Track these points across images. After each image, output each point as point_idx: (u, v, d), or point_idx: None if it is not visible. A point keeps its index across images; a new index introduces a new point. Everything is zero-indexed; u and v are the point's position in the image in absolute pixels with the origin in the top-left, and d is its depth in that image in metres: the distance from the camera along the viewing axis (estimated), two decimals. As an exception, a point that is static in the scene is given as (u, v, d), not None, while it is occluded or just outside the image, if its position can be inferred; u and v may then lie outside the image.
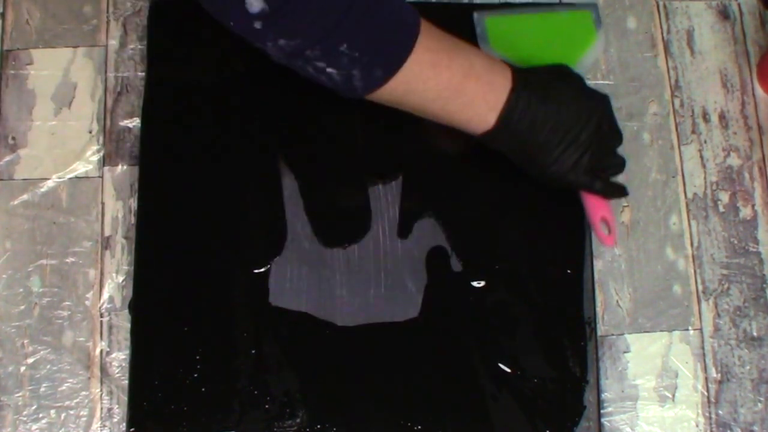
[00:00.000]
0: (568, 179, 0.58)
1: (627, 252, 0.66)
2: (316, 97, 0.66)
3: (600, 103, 0.59)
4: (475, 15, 0.67)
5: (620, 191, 0.61)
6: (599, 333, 0.63)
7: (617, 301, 0.65)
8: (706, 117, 0.70)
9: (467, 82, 0.54)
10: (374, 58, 0.50)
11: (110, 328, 0.61)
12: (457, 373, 0.61)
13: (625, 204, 0.67)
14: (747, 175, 0.68)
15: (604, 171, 0.60)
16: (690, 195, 0.68)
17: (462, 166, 0.65)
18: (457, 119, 0.56)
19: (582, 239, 0.65)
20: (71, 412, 0.59)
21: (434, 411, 0.60)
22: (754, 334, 0.65)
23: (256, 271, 0.62)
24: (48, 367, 0.60)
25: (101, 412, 0.60)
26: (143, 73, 0.66)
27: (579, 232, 0.65)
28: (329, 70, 0.50)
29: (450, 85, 0.54)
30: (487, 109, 0.55)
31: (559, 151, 0.57)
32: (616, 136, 0.60)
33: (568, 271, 0.64)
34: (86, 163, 0.64)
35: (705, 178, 0.68)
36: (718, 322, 0.65)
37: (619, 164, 0.61)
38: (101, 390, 0.60)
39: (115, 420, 0.59)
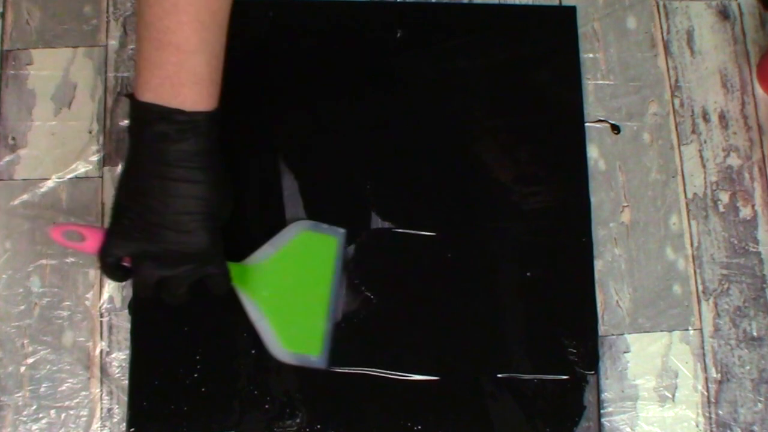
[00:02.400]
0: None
1: (627, 252, 0.66)
2: (317, 97, 0.66)
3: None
4: None
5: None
6: (599, 333, 0.63)
7: (617, 301, 0.65)
8: (706, 117, 0.70)
9: (217, 55, 0.47)
10: None
11: (110, 328, 0.61)
12: (457, 372, 0.61)
13: (625, 204, 0.67)
14: (747, 175, 0.68)
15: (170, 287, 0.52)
16: (690, 195, 0.68)
17: (462, 166, 0.65)
18: (183, 74, 0.46)
19: (587, 240, 0.65)
20: (71, 412, 0.59)
21: (434, 411, 0.60)
22: (754, 334, 0.65)
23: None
24: (48, 367, 0.60)
25: (101, 412, 0.60)
26: (143, 73, 0.66)
27: (582, 232, 0.65)
28: None
29: (212, 34, 0.47)
30: (215, 90, 0.48)
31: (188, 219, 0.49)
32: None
33: (569, 272, 0.64)
34: (86, 163, 0.64)
35: (705, 178, 0.68)
36: (718, 322, 0.65)
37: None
38: (101, 390, 0.60)
39: (115, 420, 0.59)
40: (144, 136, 0.48)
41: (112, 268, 0.51)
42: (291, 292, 0.60)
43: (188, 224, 0.48)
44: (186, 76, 0.46)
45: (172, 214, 0.48)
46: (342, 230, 0.62)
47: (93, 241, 0.52)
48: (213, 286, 0.53)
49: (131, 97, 0.48)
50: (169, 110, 0.47)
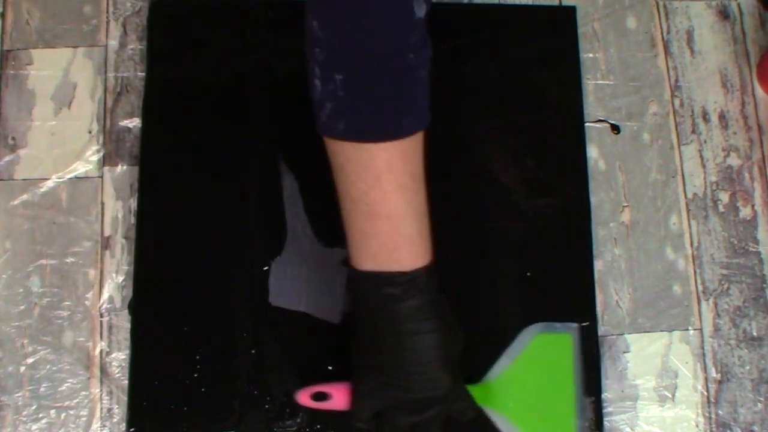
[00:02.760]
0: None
1: (627, 252, 0.66)
2: (316, 97, 0.66)
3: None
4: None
5: None
6: (599, 333, 0.63)
7: (617, 301, 0.65)
8: (706, 117, 0.70)
9: (423, 212, 0.49)
10: (371, 116, 0.46)
11: (110, 328, 0.61)
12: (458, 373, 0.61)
13: (625, 204, 0.67)
14: (747, 175, 0.68)
15: None
16: (690, 195, 0.68)
17: (462, 166, 0.65)
18: (398, 238, 0.48)
19: (587, 240, 0.65)
20: (71, 412, 0.59)
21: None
22: (754, 334, 0.65)
23: (255, 270, 0.62)
24: (48, 367, 0.60)
25: (101, 412, 0.60)
26: (143, 73, 0.66)
27: (582, 232, 0.65)
28: (323, 87, 0.46)
29: (414, 195, 0.48)
30: (428, 245, 0.50)
31: (431, 368, 0.50)
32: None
33: (569, 272, 0.64)
34: (86, 163, 0.64)
35: (705, 178, 0.68)
36: (718, 322, 0.65)
37: None
38: (101, 390, 0.60)
39: (115, 420, 0.59)
40: (371, 300, 0.50)
41: (366, 425, 0.53)
42: (536, 397, 0.60)
43: (429, 372, 0.50)
44: (401, 240, 0.48)
45: (412, 365, 0.50)
46: (574, 325, 0.62)
47: (339, 398, 0.54)
48: (460, 416, 0.54)
49: (349, 266, 0.50)
50: (391, 275, 0.49)
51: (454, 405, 0.53)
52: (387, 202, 0.47)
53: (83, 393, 0.60)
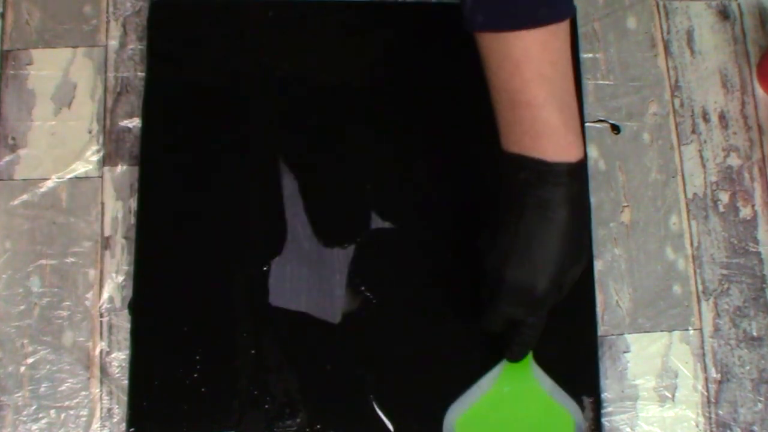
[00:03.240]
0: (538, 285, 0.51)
1: (627, 252, 0.66)
2: (317, 97, 0.66)
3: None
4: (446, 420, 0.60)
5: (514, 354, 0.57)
6: (599, 333, 0.63)
7: (617, 301, 0.65)
8: (706, 117, 0.70)
9: (568, 104, 0.49)
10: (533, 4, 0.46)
11: (110, 328, 0.61)
12: (457, 371, 0.61)
13: (625, 204, 0.67)
14: (747, 175, 0.68)
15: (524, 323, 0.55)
16: (690, 195, 0.68)
17: (462, 166, 0.65)
18: (539, 126, 0.49)
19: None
20: (71, 412, 0.59)
21: (435, 411, 0.60)
22: (754, 334, 0.65)
23: (255, 270, 0.62)
24: (48, 367, 0.60)
25: (101, 412, 0.60)
26: (143, 73, 0.66)
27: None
28: None
29: (556, 85, 0.49)
30: (574, 139, 0.49)
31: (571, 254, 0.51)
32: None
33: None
34: (86, 163, 0.64)
35: (705, 178, 0.68)
36: (718, 322, 0.65)
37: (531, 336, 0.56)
38: (101, 390, 0.60)
39: (115, 420, 0.59)
40: (511, 183, 0.51)
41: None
42: (506, 421, 0.59)
43: (530, 268, 0.50)
44: (542, 129, 0.48)
45: (517, 254, 0.50)
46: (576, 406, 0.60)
47: None
48: (517, 339, 0.55)
49: (501, 149, 0.51)
50: (531, 160, 0.49)
51: (530, 318, 0.54)
52: (527, 90, 0.48)
53: (83, 393, 0.60)
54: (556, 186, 0.49)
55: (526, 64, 0.47)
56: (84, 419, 0.59)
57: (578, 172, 0.50)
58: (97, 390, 0.60)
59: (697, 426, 0.62)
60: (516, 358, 0.57)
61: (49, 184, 0.64)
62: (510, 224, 0.51)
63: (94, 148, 0.65)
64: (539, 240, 0.50)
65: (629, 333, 0.64)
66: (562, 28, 0.48)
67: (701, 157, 0.69)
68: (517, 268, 0.51)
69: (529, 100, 0.48)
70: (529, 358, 0.59)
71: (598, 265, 0.65)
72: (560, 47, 0.49)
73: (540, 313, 0.54)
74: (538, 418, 0.59)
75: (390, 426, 0.60)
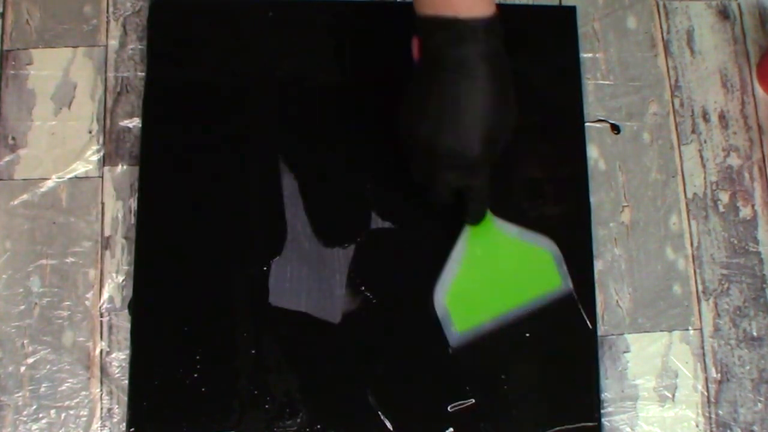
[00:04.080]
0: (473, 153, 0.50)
1: (627, 252, 0.66)
2: (317, 97, 0.66)
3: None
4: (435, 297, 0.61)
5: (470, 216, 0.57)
6: (599, 333, 0.63)
7: (617, 301, 0.65)
8: (706, 117, 0.70)
9: None
10: None
11: (110, 328, 0.61)
12: (457, 370, 0.61)
13: (625, 204, 0.67)
14: (747, 175, 0.68)
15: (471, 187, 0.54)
16: (690, 195, 0.68)
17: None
18: None
19: (587, 240, 0.65)
20: (71, 412, 0.59)
21: (435, 411, 0.60)
22: (754, 334, 0.65)
23: (255, 270, 0.62)
24: (48, 367, 0.60)
25: (101, 412, 0.60)
26: (143, 73, 0.66)
27: (582, 233, 0.65)
28: None
29: None
30: None
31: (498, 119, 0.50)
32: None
33: (569, 272, 0.64)
34: (86, 163, 0.64)
35: (705, 178, 0.68)
36: (718, 322, 0.65)
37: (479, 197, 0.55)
38: (101, 390, 0.60)
39: (115, 420, 0.59)
40: (427, 46, 0.50)
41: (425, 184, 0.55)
42: (489, 277, 0.61)
43: (461, 128, 0.49)
44: None
45: (447, 116, 0.49)
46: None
47: None
48: (470, 204, 0.55)
49: (415, 14, 0.50)
50: (445, 19, 0.48)
51: (472, 180, 0.52)
52: None
53: (83, 393, 0.60)
54: (474, 43, 0.48)
55: None
56: (84, 419, 0.59)
57: (493, 27, 0.49)
58: (97, 390, 0.60)
59: (697, 426, 0.62)
60: (475, 221, 0.57)
61: (49, 184, 0.64)
62: (432, 90, 0.50)
63: (94, 148, 0.65)
64: (464, 101, 0.49)
65: (629, 333, 0.64)
66: None
67: (701, 157, 0.69)
68: (447, 133, 0.49)
69: None
70: (488, 215, 0.60)
71: (598, 265, 0.65)
72: None
73: (482, 173, 0.53)
74: (518, 263, 0.62)
75: (389, 426, 0.60)
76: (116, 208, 0.63)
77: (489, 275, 0.61)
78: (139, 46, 0.67)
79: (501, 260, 0.61)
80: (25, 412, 0.59)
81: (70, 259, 0.62)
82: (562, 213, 0.65)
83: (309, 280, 0.62)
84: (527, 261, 0.62)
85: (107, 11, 0.68)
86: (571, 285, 0.62)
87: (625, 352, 0.63)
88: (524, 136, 0.66)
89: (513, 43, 0.68)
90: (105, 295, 0.62)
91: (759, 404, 0.63)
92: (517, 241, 0.61)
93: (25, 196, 0.63)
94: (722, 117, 0.70)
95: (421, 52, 0.51)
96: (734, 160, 0.69)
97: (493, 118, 0.49)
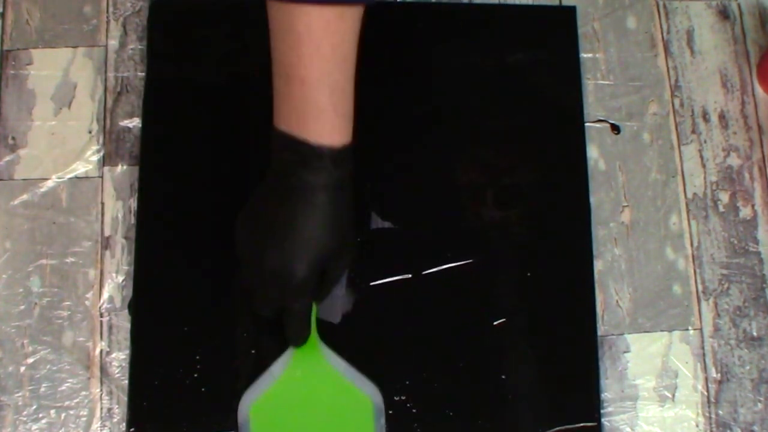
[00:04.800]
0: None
1: (627, 252, 0.66)
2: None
3: None
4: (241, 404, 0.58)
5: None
6: (599, 333, 0.63)
7: (617, 301, 0.65)
8: (706, 117, 0.70)
9: (343, 89, 0.48)
10: None
11: (110, 328, 0.61)
12: (457, 370, 0.61)
13: (625, 204, 0.67)
14: (747, 175, 0.68)
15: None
16: (690, 195, 0.68)
17: (462, 166, 0.65)
18: (307, 106, 0.48)
19: (587, 240, 0.65)
20: (71, 412, 0.59)
21: (436, 411, 0.60)
22: (754, 334, 0.65)
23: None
24: (48, 367, 0.60)
25: (101, 412, 0.60)
26: (143, 73, 0.66)
27: (582, 232, 0.65)
28: None
29: (334, 67, 0.48)
30: (341, 124, 0.49)
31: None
32: None
33: (569, 272, 0.64)
34: (86, 163, 0.64)
35: (705, 178, 0.68)
36: (718, 322, 0.65)
37: None
38: (101, 390, 0.60)
39: (115, 420, 0.59)
40: (274, 161, 0.50)
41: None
42: (301, 405, 0.58)
43: (287, 251, 0.49)
44: (310, 109, 0.48)
45: (278, 237, 0.50)
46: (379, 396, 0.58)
47: None
48: (288, 325, 0.54)
49: (272, 125, 0.50)
50: (295, 140, 0.48)
51: (292, 303, 0.52)
52: (302, 66, 0.47)
53: (83, 393, 0.60)
54: (319, 170, 0.48)
55: (307, 39, 0.46)
56: (84, 419, 0.59)
57: (342, 158, 0.49)
58: (97, 390, 0.60)
59: (697, 426, 0.62)
60: (293, 343, 0.56)
61: (49, 184, 0.64)
62: (268, 206, 0.50)
63: (94, 148, 0.65)
64: (298, 224, 0.49)
65: (629, 333, 0.64)
66: (353, 13, 0.47)
67: (701, 157, 0.69)
68: (273, 251, 0.50)
69: (302, 77, 0.47)
70: (316, 342, 0.57)
71: (598, 265, 0.65)
72: (345, 31, 0.47)
73: (302, 299, 0.53)
74: (334, 400, 0.57)
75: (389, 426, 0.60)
76: (116, 208, 0.63)
77: (301, 403, 0.57)
78: (139, 46, 0.67)
79: (319, 392, 0.57)
80: (25, 412, 0.59)
81: (70, 259, 0.62)
82: (562, 213, 0.65)
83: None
84: (344, 402, 0.57)
85: (107, 11, 0.68)
86: None
87: (625, 352, 0.63)
88: (524, 136, 0.66)
89: (513, 43, 0.69)
90: (105, 295, 0.62)
91: (759, 404, 0.63)
92: (340, 378, 0.57)
93: (25, 196, 0.63)
94: (722, 117, 0.70)
95: (271, 166, 0.51)
96: (734, 160, 0.69)
97: (324, 246, 0.50)
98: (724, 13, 0.72)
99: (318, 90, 0.47)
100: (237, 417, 0.57)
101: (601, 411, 0.61)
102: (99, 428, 0.59)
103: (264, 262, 0.50)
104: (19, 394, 0.60)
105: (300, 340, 0.56)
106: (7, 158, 0.64)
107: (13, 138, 0.64)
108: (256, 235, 0.51)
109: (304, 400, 0.57)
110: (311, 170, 0.48)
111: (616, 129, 0.68)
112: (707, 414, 0.63)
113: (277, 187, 0.50)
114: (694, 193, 0.68)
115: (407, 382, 0.60)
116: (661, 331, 0.64)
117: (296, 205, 0.49)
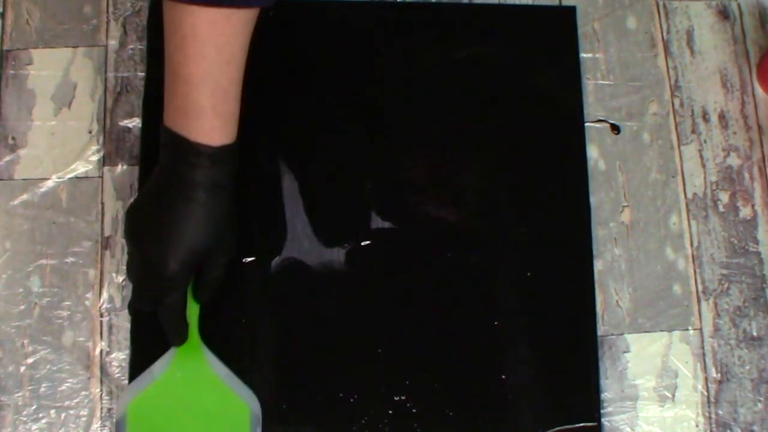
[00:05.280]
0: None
1: (627, 252, 0.66)
2: (317, 97, 0.66)
3: None
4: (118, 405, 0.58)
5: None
6: (599, 333, 0.63)
7: (617, 301, 0.65)
8: (706, 117, 0.70)
9: (225, 90, 0.50)
10: None
11: (110, 328, 0.61)
12: (457, 369, 0.61)
13: (625, 204, 0.67)
14: (747, 175, 0.68)
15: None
16: (690, 195, 0.68)
17: (462, 166, 0.65)
18: (188, 104, 0.49)
19: (587, 240, 0.65)
20: (71, 412, 0.59)
21: (436, 411, 0.60)
22: (754, 334, 0.65)
23: (255, 270, 0.62)
24: (48, 367, 0.60)
25: (101, 412, 0.60)
26: (143, 73, 0.66)
27: (582, 232, 0.65)
28: None
29: (217, 68, 0.49)
30: (220, 124, 0.50)
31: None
32: None
33: (569, 272, 0.64)
34: (86, 163, 0.64)
35: (705, 178, 0.68)
36: (718, 322, 0.65)
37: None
38: (101, 390, 0.60)
39: (115, 420, 0.59)
40: (161, 157, 0.52)
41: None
42: (178, 407, 0.57)
43: (162, 245, 0.50)
44: (191, 108, 0.49)
45: (154, 229, 0.51)
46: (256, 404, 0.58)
47: None
48: (163, 321, 0.55)
49: (161, 122, 0.52)
50: (177, 137, 0.50)
51: (165, 296, 0.53)
52: (186, 66, 0.48)
53: (83, 393, 0.60)
54: (197, 167, 0.49)
55: (191, 40, 0.47)
56: (84, 419, 0.59)
57: (221, 157, 0.50)
58: (97, 390, 0.60)
59: (697, 426, 0.62)
60: (171, 340, 0.56)
61: (49, 184, 0.64)
62: (150, 199, 0.51)
63: (94, 148, 0.65)
64: (173, 219, 0.50)
65: (629, 333, 0.64)
66: (241, 15, 0.48)
67: (701, 157, 0.69)
68: (149, 243, 0.51)
69: (186, 77, 0.48)
70: (198, 344, 0.57)
71: (598, 265, 0.65)
72: (232, 33, 0.48)
73: (174, 294, 0.53)
74: (212, 404, 0.57)
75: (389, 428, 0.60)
76: (116, 208, 0.63)
77: (180, 404, 0.57)
78: (139, 46, 0.67)
79: (197, 395, 0.57)
80: (25, 412, 0.59)
81: (70, 259, 0.62)
82: (562, 213, 0.65)
83: (309, 280, 0.62)
84: (222, 407, 0.57)
85: (107, 11, 0.68)
86: None
87: (625, 352, 0.63)
88: (524, 135, 0.66)
89: (513, 43, 0.69)
90: (105, 295, 0.62)
91: (759, 404, 0.63)
92: (220, 384, 0.57)
93: (25, 196, 0.63)
94: (722, 117, 0.70)
95: (159, 160, 0.52)
96: (734, 160, 0.69)
97: (199, 243, 0.51)
98: (724, 13, 0.72)
99: (199, 90, 0.48)
100: (116, 411, 0.57)
101: (601, 411, 0.61)
102: (99, 428, 0.59)
103: (142, 254, 0.51)
104: (19, 394, 0.60)
105: (176, 336, 0.56)
106: (7, 158, 0.64)
107: (13, 138, 0.64)
108: (139, 227, 0.52)
109: (183, 402, 0.57)
110: (189, 166, 0.49)
111: (616, 129, 0.68)
112: (707, 414, 0.63)
113: (160, 182, 0.51)
114: (694, 193, 0.68)
115: (407, 382, 0.60)
116: (661, 331, 0.64)
117: (174, 200, 0.50)
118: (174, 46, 0.48)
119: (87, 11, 0.68)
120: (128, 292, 0.61)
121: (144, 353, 0.60)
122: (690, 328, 0.64)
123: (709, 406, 0.63)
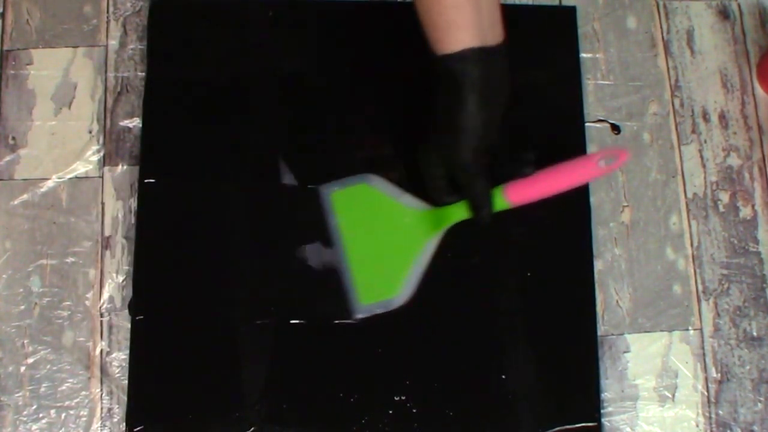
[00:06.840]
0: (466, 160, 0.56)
1: (627, 252, 0.66)
2: (316, 97, 0.66)
3: None
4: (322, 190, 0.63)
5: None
6: (599, 333, 0.63)
7: (617, 301, 0.65)
8: (706, 117, 0.70)
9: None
10: None
11: (110, 328, 0.61)
12: (457, 369, 0.61)
13: (625, 204, 0.67)
14: (747, 175, 0.68)
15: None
16: (690, 195, 0.68)
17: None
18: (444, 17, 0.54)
19: (587, 240, 0.65)
20: (71, 412, 0.59)
21: (436, 411, 0.60)
22: (754, 334, 0.65)
23: (255, 271, 0.62)
24: (48, 367, 0.60)
25: (101, 412, 0.60)
26: (143, 73, 0.66)
27: (582, 232, 0.65)
28: None
29: None
30: (490, 25, 0.55)
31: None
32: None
33: (569, 272, 0.64)
34: (86, 163, 0.64)
35: (705, 178, 0.68)
36: (718, 322, 0.65)
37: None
38: (101, 390, 0.60)
39: (115, 420, 0.59)
40: (436, 77, 0.56)
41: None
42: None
43: (454, 140, 0.55)
44: (453, 19, 0.53)
45: (444, 127, 0.56)
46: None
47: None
48: (473, 208, 0.58)
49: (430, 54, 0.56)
50: (444, 56, 0.54)
51: (469, 185, 0.58)
52: None
53: (83, 393, 0.60)
54: (466, 71, 0.53)
55: None
56: (84, 419, 0.59)
57: (493, 53, 0.54)
58: (97, 390, 0.60)
59: (697, 426, 0.62)
60: (477, 222, 0.58)
61: (49, 184, 0.64)
62: (438, 104, 0.56)
63: (94, 148, 0.65)
64: (454, 116, 0.55)
65: (629, 333, 0.64)
66: None
67: (701, 157, 0.69)
68: (441, 135, 0.56)
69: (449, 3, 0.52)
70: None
71: (598, 265, 0.65)
72: None
73: (471, 171, 0.57)
74: (403, 221, 0.62)
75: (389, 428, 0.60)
76: (116, 208, 0.63)
77: (375, 211, 0.63)
78: (139, 46, 0.67)
79: (393, 218, 0.62)
80: (25, 412, 0.59)
81: (70, 259, 0.62)
82: (562, 213, 0.65)
83: (308, 280, 0.62)
84: (411, 224, 0.62)
85: (107, 11, 0.68)
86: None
87: (625, 352, 0.63)
88: (524, 135, 0.66)
89: (513, 43, 0.68)
90: (105, 295, 0.62)
91: (759, 404, 0.63)
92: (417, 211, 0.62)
93: (25, 196, 0.63)
94: (722, 117, 0.70)
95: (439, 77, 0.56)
96: (734, 160, 0.69)
97: (479, 132, 0.55)
98: (724, 13, 0.72)
99: (465, 8, 0.53)
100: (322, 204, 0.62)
101: (601, 411, 0.61)
102: (99, 428, 0.59)
103: (434, 141, 0.58)
104: (19, 394, 0.60)
105: (481, 215, 0.58)
106: (7, 158, 0.64)
107: (13, 138, 0.64)
108: (433, 126, 0.58)
109: (378, 211, 0.63)
110: (464, 69, 0.54)
111: (616, 129, 0.68)
112: (707, 414, 0.63)
113: (444, 86, 0.55)
114: (694, 193, 0.68)
115: (407, 382, 0.60)
116: (661, 331, 0.64)
117: (454, 101, 0.54)
118: None
119: (87, 11, 0.68)
120: (128, 292, 0.61)
121: (144, 353, 0.60)
122: (690, 328, 0.64)
123: (709, 406, 0.63)
